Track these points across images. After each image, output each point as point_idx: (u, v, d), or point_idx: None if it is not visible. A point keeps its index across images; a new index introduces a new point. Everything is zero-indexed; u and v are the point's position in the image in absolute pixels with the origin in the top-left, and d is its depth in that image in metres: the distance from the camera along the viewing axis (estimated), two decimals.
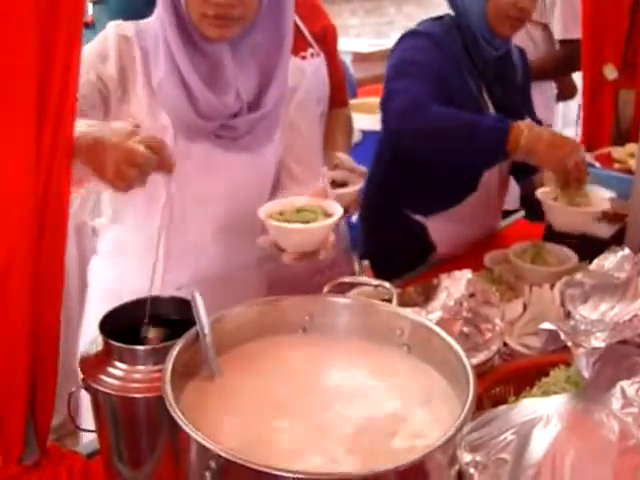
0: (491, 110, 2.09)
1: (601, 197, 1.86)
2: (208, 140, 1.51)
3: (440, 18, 2.11)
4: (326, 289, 1.14)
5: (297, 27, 1.95)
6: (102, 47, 1.47)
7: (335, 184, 1.75)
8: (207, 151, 1.52)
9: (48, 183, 1.03)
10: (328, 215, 1.38)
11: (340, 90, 2.18)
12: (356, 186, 1.78)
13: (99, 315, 1.15)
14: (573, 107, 4.86)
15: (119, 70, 1.46)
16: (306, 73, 1.68)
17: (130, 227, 1.60)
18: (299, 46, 1.94)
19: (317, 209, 1.39)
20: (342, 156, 1.90)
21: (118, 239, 1.64)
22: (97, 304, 1.62)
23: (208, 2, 1.37)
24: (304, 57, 1.97)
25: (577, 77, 3.36)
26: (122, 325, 1.14)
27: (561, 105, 3.67)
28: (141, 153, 1.16)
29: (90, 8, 2.78)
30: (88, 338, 1.60)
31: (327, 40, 2.11)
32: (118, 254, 1.65)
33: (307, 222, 1.35)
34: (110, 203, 1.62)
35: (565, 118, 4.91)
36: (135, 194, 1.40)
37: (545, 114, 2.92)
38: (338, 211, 1.39)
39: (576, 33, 2.99)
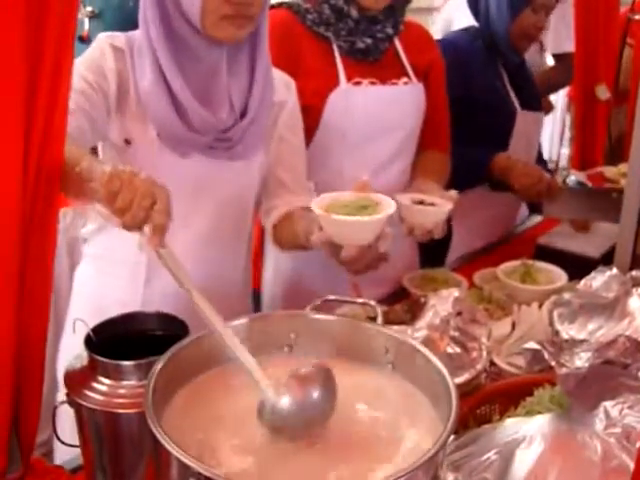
0: (518, 108, 2.43)
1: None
2: (201, 154, 1.49)
3: (466, 29, 2.44)
4: (310, 307, 1.14)
5: (396, 54, 1.95)
6: (100, 61, 1.44)
7: (423, 205, 1.73)
8: (198, 166, 1.50)
9: (35, 198, 1.03)
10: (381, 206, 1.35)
11: (439, 132, 2.09)
12: (443, 208, 1.70)
13: (79, 323, 1.14)
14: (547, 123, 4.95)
15: (118, 86, 1.44)
16: (292, 88, 1.67)
17: (116, 235, 1.53)
18: (393, 72, 1.93)
19: (371, 202, 1.35)
20: (432, 183, 1.85)
21: (104, 245, 1.62)
22: (78, 311, 1.57)
23: (229, 2, 1.36)
24: (394, 83, 1.91)
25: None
26: (108, 340, 1.14)
27: None
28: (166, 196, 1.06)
29: (86, 22, 2.79)
30: (66, 346, 1.62)
31: (432, 76, 2.04)
32: (103, 260, 1.63)
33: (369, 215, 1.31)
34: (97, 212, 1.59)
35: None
36: None
37: None
38: (391, 202, 1.35)
39: (569, 47, 3.01)
